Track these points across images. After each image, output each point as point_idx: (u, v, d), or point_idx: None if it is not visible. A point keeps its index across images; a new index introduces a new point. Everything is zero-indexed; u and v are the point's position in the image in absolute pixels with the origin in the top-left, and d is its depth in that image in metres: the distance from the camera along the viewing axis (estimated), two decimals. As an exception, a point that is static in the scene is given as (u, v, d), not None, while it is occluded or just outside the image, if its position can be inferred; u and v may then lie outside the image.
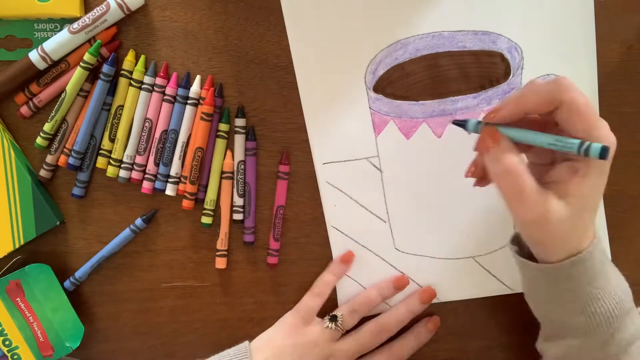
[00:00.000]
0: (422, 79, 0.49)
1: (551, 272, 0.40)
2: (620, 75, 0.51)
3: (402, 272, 0.52)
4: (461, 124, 0.41)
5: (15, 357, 0.49)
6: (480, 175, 0.42)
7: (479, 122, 0.40)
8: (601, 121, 0.38)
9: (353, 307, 0.49)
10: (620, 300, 0.40)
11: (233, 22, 0.49)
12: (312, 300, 0.50)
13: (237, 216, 0.51)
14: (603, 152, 0.35)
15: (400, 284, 0.51)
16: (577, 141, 0.36)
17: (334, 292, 0.52)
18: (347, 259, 0.50)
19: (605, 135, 0.37)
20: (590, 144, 0.36)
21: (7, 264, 0.50)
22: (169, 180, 0.49)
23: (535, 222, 0.38)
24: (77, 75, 0.47)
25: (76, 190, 0.50)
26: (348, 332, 0.49)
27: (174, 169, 0.49)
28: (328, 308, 0.50)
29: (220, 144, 0.50)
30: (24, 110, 0.49)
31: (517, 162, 0.37)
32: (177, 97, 0.49)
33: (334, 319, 0.48)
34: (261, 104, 0.50)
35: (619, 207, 0.52)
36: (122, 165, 0.49)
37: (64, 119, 0.49)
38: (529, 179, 0.37)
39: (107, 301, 0.52)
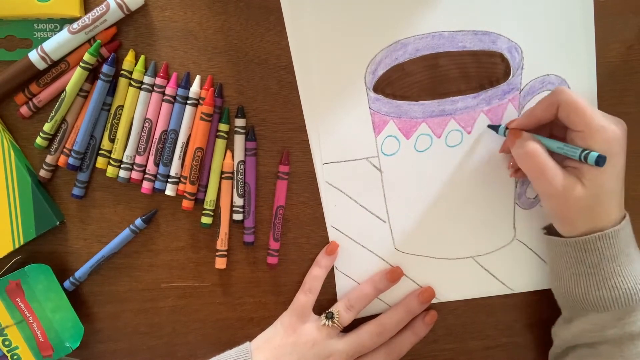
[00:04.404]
0: (422, 79, 0.49)
1: (580, 245, 0.44)
2: (620, 75, 0.51)
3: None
4: (494, 128, 0.49)
5: (15, 357, 0.49)
6: (516, 167, 0.49)
7: (506, 128, 0.48)
8: (601, 118, 0.43)
9: (349, 302, 0.49)
10: None
11: (233, 22, 0.49)
12: (305, 296, 0.50)
13: (237, 216, 0.51)
14: (599, 160, 0.40)
15: (394, 276, 0.51)
16: (579, 149, 0.42)
17: (334, 292, 0.52)
18: (332, 250, 0.51)
19: (604, 126, 0.42)
20: (589, 152, 0.41)
21: (7, 264, 0.50)
22: (169, 180, 0.49)
23: (556, 197, 0.43)
24: (76, 75, 0.47)
25: (76, 191, 0.50)
26: (347, 331, 0.49)
27: (174, 169, 0.49)
28: (328, 307, 0.50)
29: (220, 144, 0.50)
30: (24, 110, 0.49)
31: (537, 146, 0.44)
32: (177, 97, 0.49)
33: (330, 316, 0.49)
34: (261, 104, 0.50)
35: (619, 207, 0.52)
36: (122, 166, 0.49)
37: (63, 119, 0.49)
38: (547, 159, 0.43)
39: (107, 301, 0.52)
